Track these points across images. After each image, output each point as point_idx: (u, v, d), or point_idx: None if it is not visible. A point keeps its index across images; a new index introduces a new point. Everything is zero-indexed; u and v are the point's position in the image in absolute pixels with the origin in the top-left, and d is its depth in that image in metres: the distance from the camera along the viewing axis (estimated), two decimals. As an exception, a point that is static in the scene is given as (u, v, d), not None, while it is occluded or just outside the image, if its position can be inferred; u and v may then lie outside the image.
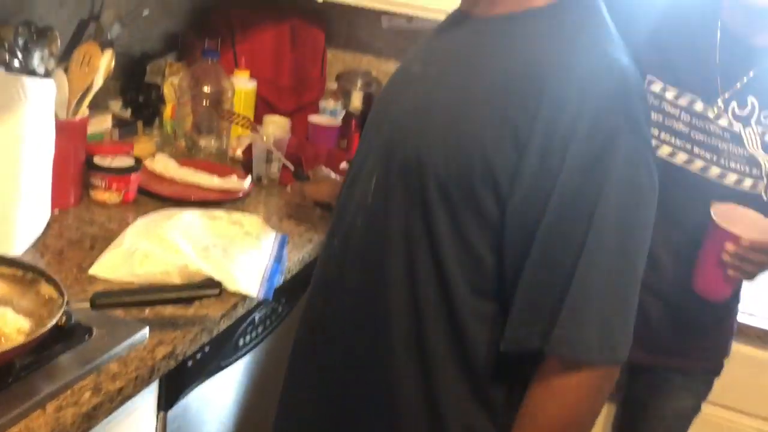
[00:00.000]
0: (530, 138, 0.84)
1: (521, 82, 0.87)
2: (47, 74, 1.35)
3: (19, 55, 1.32)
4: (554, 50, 0.88)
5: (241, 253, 1.31)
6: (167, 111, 1.92)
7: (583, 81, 0.85)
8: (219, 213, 1.44)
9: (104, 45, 1.49)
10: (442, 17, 1.08)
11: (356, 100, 2.18)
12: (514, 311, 0.90)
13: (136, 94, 1.86)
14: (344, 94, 2.35)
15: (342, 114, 2.24)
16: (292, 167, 1.62)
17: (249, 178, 1.76)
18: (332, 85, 2.34)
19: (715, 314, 1.45)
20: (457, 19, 1.02)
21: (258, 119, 2.11)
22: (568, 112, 0.84)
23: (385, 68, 2.32)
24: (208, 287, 1.14)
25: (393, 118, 1.00)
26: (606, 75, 0.87)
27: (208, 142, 1.94)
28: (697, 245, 1.34)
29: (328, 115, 2.24)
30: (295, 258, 1.45)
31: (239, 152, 1.97)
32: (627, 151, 0.85)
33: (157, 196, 1.59)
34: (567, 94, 0.84)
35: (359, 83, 2.35)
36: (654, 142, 1.30)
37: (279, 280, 1.33)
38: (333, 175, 1.57)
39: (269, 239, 1.42)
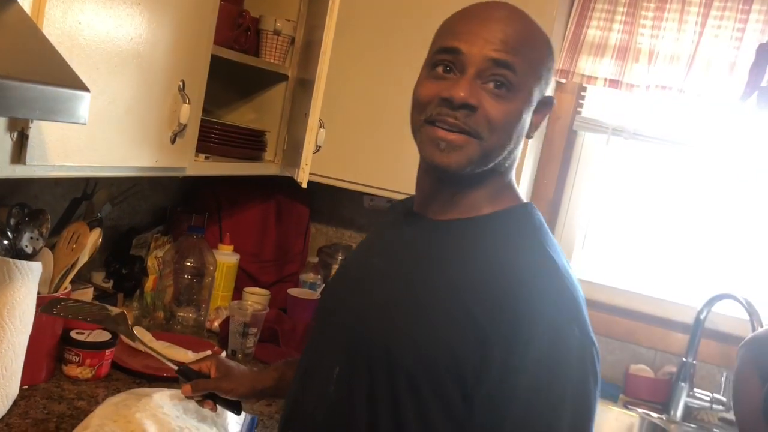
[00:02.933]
0: (494, 338, 0.90)
1: (482, 283, 0.94)
2: (34, 253, 1.41)
3: (10, 235, 1.38)
4: (508, 254, 0.97)
5: (208, 436, 1.29)
6: (148, 283, 1.96)
7: (537, 287, 0.93)
8: (190, 393, 1.43)
9: (93, 224, 1.56)
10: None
11: (336, 275, 2.23)
12: None
13: (119, 267, 1.91)
14: (324, 268, 2.42)
15: (321, 287, 2.29)
16: (175, 366, 1.24)
17: (224, 354, 1.77)
18: (313, 258, 2.40)
19: None
20: (409, 216, 1.10)
21: (239, 291, 2.15)
22: (528, 317, 0.91)
23: (365, 244, 2.40)
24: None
25: (354, 311, 1.03)
26: (554, 279, 0.95)
27: (186, 314, 1.96)
28: None
29: (307, 288, 2.29)
30: (264, 441, 1.43)
31: (216, 324, 2.00)
32: (578, 352, 0.92)
33: (130, 371, 1.60)
34: (526, 301, 0.91)
35: (340, 257, 2.43)
36: None
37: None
38: (233, 363, 1.27)
39: (239, 420, 1.40)
